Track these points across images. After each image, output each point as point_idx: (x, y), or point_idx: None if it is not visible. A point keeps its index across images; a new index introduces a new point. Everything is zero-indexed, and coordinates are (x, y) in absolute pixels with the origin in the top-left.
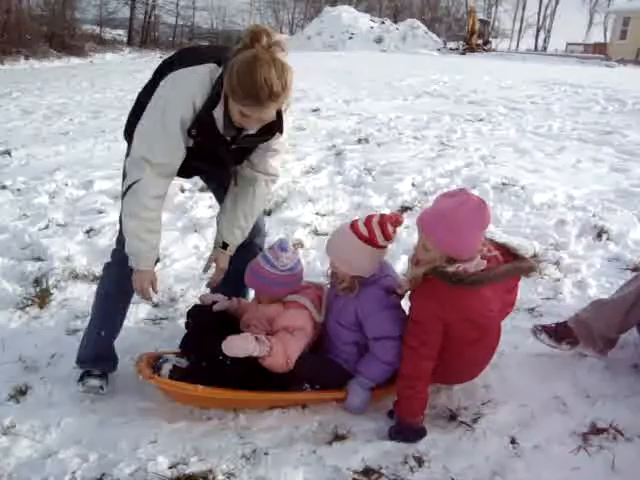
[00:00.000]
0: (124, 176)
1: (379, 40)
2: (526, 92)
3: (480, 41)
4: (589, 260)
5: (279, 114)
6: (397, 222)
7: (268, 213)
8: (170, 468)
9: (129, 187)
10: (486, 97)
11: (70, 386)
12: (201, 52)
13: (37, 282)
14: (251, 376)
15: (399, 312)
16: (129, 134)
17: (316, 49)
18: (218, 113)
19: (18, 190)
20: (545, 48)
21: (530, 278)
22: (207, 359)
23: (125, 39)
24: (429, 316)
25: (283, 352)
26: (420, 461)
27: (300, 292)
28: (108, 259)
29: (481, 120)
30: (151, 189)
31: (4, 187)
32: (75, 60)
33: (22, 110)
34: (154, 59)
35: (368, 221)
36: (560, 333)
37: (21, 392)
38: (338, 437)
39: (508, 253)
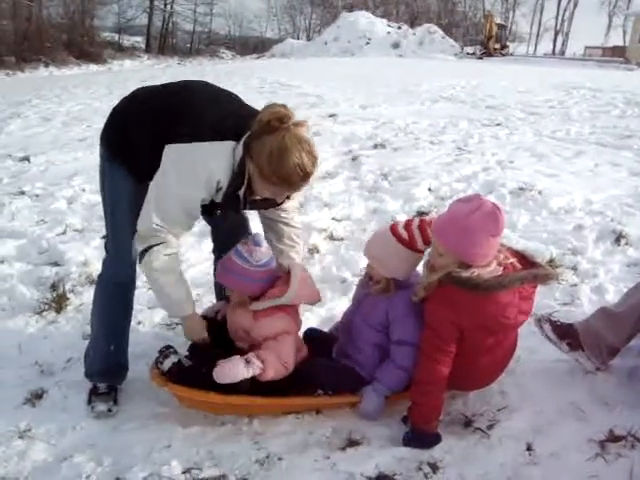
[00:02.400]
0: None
1: (396, 45)
2: (544, 96)
3: (497, 45)
4: (607, 265)
5: None
6: None
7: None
8: (184, 473)
9: (148, 249)
10: (503, 102)
11: (85, 391)
12: (214, 116)
13: (54, 287)
14: (254, 385)
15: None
16: (110, 144)
17: (333, 54)
18: (242, 191)
19: (36, 196)
20: (563, 52)
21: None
22: (208, 367)
23: (143, 46)
24: (444, 322)
25: (277, 359)
26: (435, 467)
27: (267, 294)
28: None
29: (498, 125)
30: (174, 248)
31: (23, 193)
32: (94, 67)
33: (41, 117)
34: (172, 65)
35: (408, 225)
36: (564, 331)
37: (37, 396)
38: (352, 443)
39: (526, 261)
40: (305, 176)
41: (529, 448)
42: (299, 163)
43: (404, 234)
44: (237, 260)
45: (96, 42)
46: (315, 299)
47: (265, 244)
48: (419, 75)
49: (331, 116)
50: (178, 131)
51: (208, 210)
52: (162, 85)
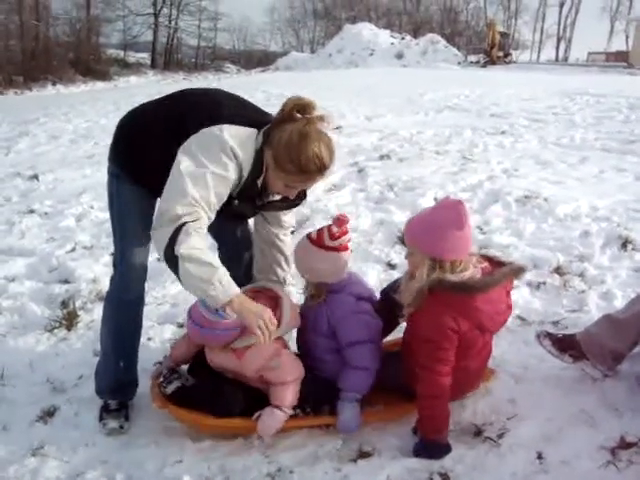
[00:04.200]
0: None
1: (400, 55)
2: (548, 103)
3: (500, 53)
4: (615, 271)
5: None
6: (341, 221)
7: (292, 232)
8: None
9: (182, 226)
10: (508, 110)
11: (96, 407)
12: (239, 107)
13: (64, 304)
14: (252, 403)
15: (370, 317)
16: (119, 159)
17: (337, 66)
18: (260, 181)
19: (45, 214)
20: (566, 58)
21: (552, 291)
22: (209, 384)
23: (149, 62)
24: (444, 331)
25: (288, 389)
26: (446, 477)
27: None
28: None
29: (503, 133)
30: (204, 227)
31: (32, 211)
32: (100, 84)
33: (49, 135)
34: (178, 80)
35: (320, 228)
36: (565, 344)
37: (49, 413)
38: (363, 454)
39: (494, 262)
40: (322, 167)
41: (540, 456)
42: (317, 153)
43: (314, 235)
44: (205, 312)
45: (102, 59)
46: (297, 326)
47: None
48: (423, 85)
49: (337, 128)
50: (194, 124)
51: (227, 201)
52: (163, 97)
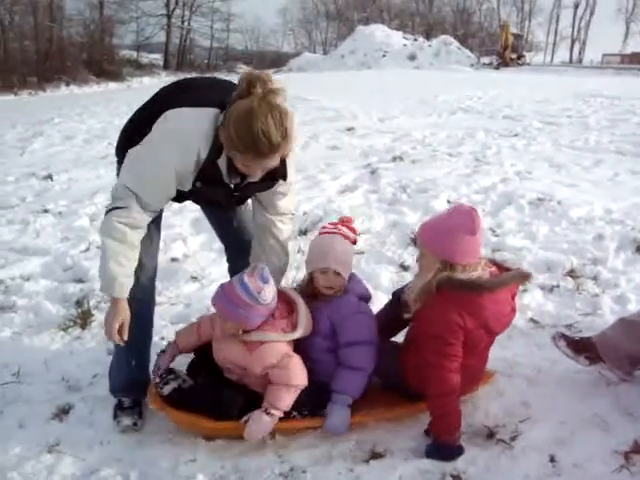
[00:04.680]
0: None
1: (412, 57)
2: (561, 105)
3: (514, 55)
4: (628, 274)
5: (283, 160)
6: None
7: (304, 232)
8: None
9: (114, 209)
10: (521, 112)
11: (111, 405)
12: (204, 90)
13: (79, 303)
14: (247, 405)
15: (371, 319)
16: (121, 152)
17: (350, 68)
18: (222, 162)
19: (60, 213)
20: (581, 60)
21: (566, 294)
22: (209, 386)
23: (161, 63)
24: (451, 327)
25: (287, 392)
26: (458, 479)
27: (266, 321)
28: None
29: (516, 135)
30: (135, 219)
31: (46, 211)
32: (113, 85)
33: (63, 135)
34: None
35: (337, 227)
36: (581, 346)
37: (64, 411)
38: (375, 455)
39: (501, 267)
40: (271, 145)
41: (552, 459)
42: (264, 129)
43: (349, 233)
44: (242, 295)
45: (115, 60)
46: (308, 333)
47: (272, 280)
48: (436, 87)
49: (349, 130)
50: (157, 116)
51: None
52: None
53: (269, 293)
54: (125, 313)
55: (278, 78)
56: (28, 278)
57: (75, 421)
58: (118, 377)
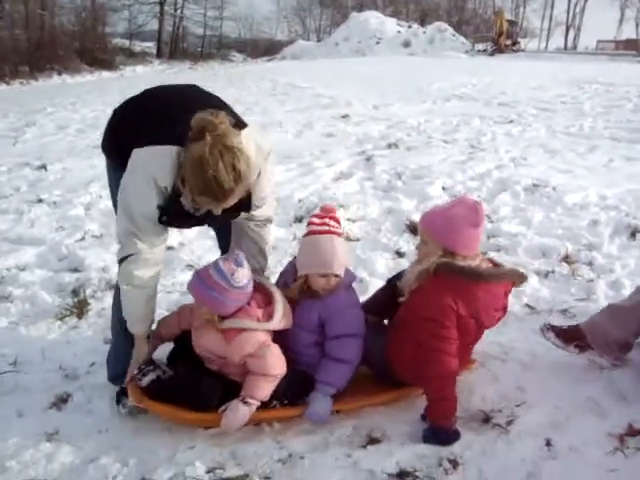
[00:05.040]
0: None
1: (407, 44)
2: (556, 92)
3: (509, 42)
4: (623, 260)
5: (249, 194)
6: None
7: (299, 220)
8: (207, 472)
9: (126, 258)
10: (516, 98)
11: (108, 394)
12: (166, 124)
13: (75, 293)
14: (226, 395)
15: (360, 310)
16: (107, 149)
17: (344, 55)
18: (185, 198)
19: (54, 203)
20: (575, 46)
21: (561, 279)
22: (188, 376)
23: (154, 51)
24: (446, 310)
25: (265, 381)
26: (455, 463)
27: (241, 309)
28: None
29: (511, 122)
30: (147, 260)
31: (41, 200)
32: (106, 74)
33: (57, 125)
34: (183, 70)
35: (326, 222)
36: (570, 335)
37: (62, 400)
38: (372, 440)
39: (498, 265)
40: (224, 191)
41: (548, 443)
42: (216, 176)
43: (339, 229)
44: (217, 278)
45: (108, 49)
46: (288, 326)
47: (247, 265)
48: (430, 73)
49: (344, 117)
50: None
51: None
52: (137, 95)
53: (242, 276)
54: (143, 350)
55: (229, 119)
56: (23, 268)
57: (73, 410)
58: (117, 365)
